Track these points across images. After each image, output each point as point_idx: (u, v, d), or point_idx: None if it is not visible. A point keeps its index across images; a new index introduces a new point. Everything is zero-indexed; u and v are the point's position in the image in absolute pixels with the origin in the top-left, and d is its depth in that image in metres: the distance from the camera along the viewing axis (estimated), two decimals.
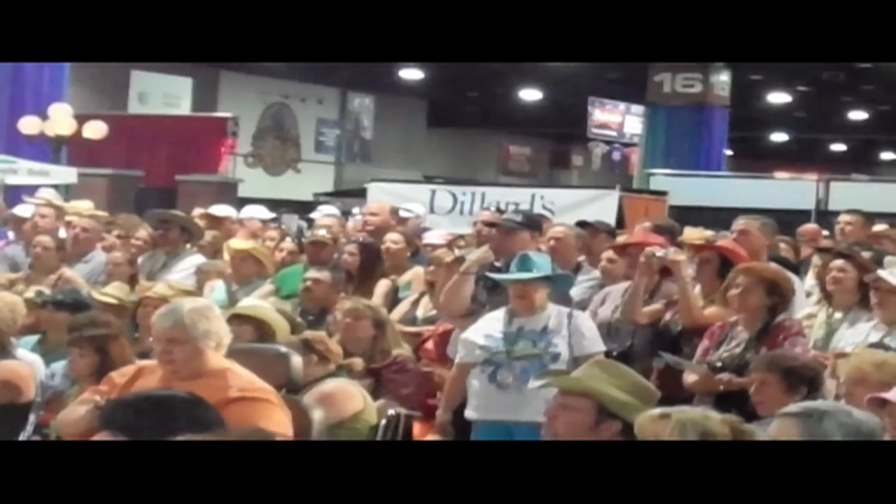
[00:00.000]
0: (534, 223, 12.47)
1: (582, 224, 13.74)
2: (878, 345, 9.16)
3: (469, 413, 9.97)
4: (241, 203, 20.55)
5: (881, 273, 10.35)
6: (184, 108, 39.62)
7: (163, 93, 40.73)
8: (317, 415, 8.46)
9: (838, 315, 10.52)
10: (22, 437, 8.47)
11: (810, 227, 16.79)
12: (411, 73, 45.75)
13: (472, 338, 9.95)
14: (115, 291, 11.23)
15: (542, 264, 10.21)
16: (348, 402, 9.65)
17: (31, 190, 19.04)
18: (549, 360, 9.53)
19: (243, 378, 7.40)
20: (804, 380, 7.83)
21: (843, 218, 16.00)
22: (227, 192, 25.27)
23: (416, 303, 12.50)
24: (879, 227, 15.91)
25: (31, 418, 8.69)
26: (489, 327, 9.92)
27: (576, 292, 11.55)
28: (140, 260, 13.59)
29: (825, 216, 20.88)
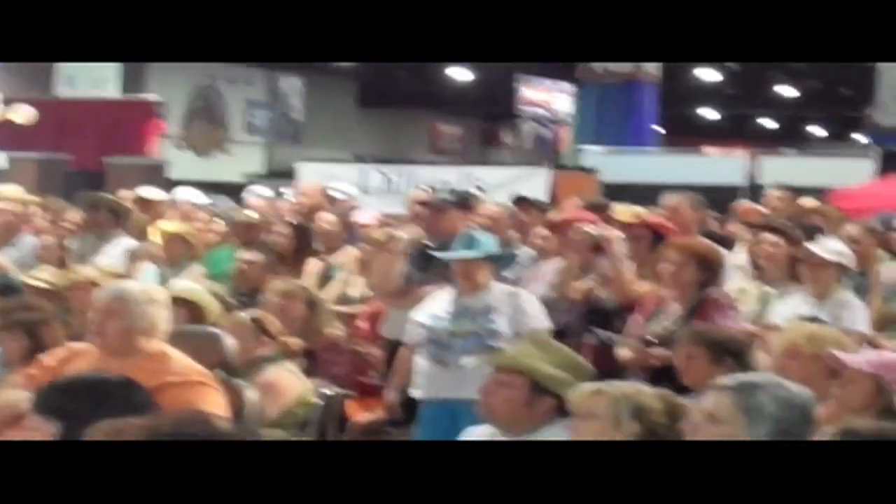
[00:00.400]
0: (465, 201, 12.63)
1: (517, 200, 13.81)
2: (810, 318, 9.27)
3: (415, 392, 10.07)
4: (169, 185, 20.48)
5: (811, 247, 10.47)
6: (112, 91, 39.42)
7: (91, 77, 40.39)
8: (250, 395, 8.50)
9: (770, 289, 10.61)
10: None
11: (747, 204, 16.84)
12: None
13: (418, 317, 10.00)
14: (45, 276, 11.20)
15: (487, 243, 10.23)
16: (291, 389, 9.66)
17: None
18: (489, 338, 9.57)
19: (179, 362, 7.41)
20: (730, 352, 7.88)
21: (772, 193, 16.18)
22: (156, 174, 25.20)
23: (348, 282, 12.51)
24: (808, 202, 16.04)
25: None
26: (435, 307, 9.98)
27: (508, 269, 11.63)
28: (70, 243, 13.50)
29: (755, 191, 20.99)
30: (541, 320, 9.80)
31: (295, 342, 10.36)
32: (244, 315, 10.03)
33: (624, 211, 12.99)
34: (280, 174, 28.62)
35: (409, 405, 10.13)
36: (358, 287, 12.26)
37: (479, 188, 18.30)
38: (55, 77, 38.56)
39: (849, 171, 25.19)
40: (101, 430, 4.27)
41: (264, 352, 9.71)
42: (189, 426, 4.48)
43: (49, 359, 7.85)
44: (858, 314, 10.08)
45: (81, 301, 9.98)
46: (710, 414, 5.74)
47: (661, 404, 6.44)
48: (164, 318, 7.66)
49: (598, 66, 39.75)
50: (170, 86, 41.32)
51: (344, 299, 12.09)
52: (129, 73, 40.88)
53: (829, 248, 10.64)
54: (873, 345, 9.65)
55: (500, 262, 10.24)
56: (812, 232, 11.91)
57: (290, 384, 9.67)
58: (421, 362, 9.91)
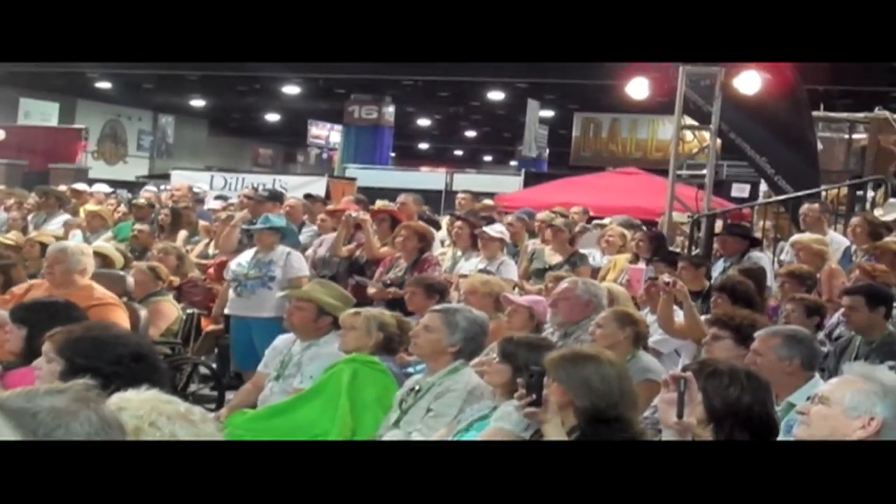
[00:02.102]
0: (276, 196, 12.72)
1: (307, 196, 13.80)
2: (483, 271, 9.40)
3: (226, 310, 10.01)
4: (90, 182, 20.31)
5: (485, 228, 10.61)
6: (53, 121, 38.97)
7: (40, 112, 40.00)
8: (143, 314, 8.45)
9: (459, 253, 10.70)
10: None
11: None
12: (198, 102, 45.62)
13: (232, 266, 9.89)
14: (13, 236, 11.04)
15: (277, 221, 10.19)
16: (171, 313, 9.67)
17: None
18: (268, 280, 9.51)
19: (100, 291, 7.34)
20: (437, 290, 7.95)
21: (460, 196, 16.31)
22: (82, 175, 24.75)
23: (205, 245, 12.44)
24: (484, 202, 16.21)
25: None
26: (242, 259, 9.86)
27: (303, 239, 11.62)
28: (29, 217, 13.42)
29: (450, 194, 21.15)
30: (303, 270, 9.73)
31: (174, 280, 10.38)
32: (141, 264, 9.97)
33: (377, 204, 13.07)
34: (160, 176, 28.30)
35: (227, 319, 10.10)
36: (210, 247, 12.18)
37: (283, 189, 18.17)
38: (17, 111, 38.18)
39: (506, 184, 25.59)
40: (55, 334, 4.23)
41: (154, 288, 9.62)
42: (99, 330, 4.45)
43: (17, 289, 7.79)
44: (512, 269, 10.16)
45: (34, 254, 9.87)
46: (426, 326, 5.84)
47: (394, 321, 6.54)
48: (90, 264, 7.61)
49: (357, 114, 39.87)
50: (90, 119, 41.44)
51: (202, 255, 12.00)
52: (63, 109, 40.65)
53: (495, 229, 10.76)
54: (521, 288, 9.85)
55: (286, 234, 10.20)
56: (486, 220, 12.04)
57: (169, 310, 9.67)
58: (231, 293, 9.83)
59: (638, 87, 13.87)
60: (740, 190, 18.77)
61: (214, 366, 10.33)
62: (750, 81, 12.72)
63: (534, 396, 4.34)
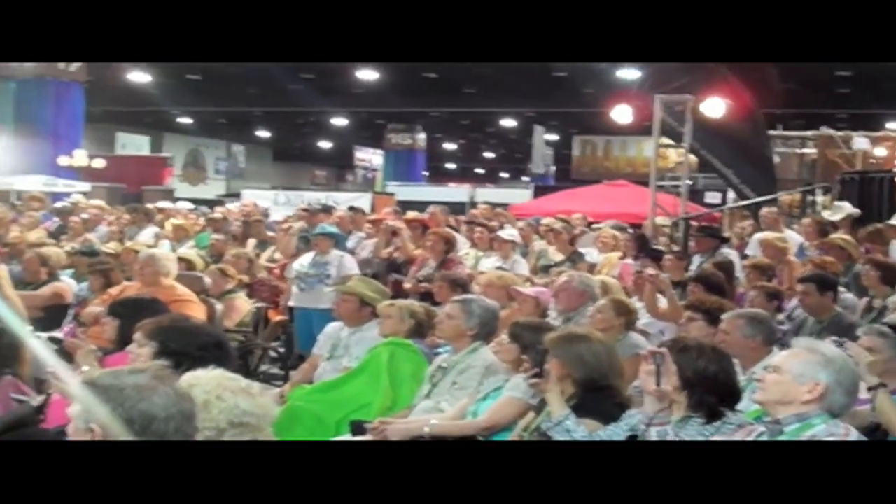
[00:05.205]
0: (327, 209, 12.71)
1: (352, 209, 13.81)
2: (499, 268, 9.38)
3: (290, 303, 10.04)
4: (175, 201, 20.38)
5: (499, 232, 10.61)
6: (145, 151, 39.24)
7: (134, 144, 40.31)
8: (218, 308, 8.48)
9: (480, 253, 10.69)
10: (64, 324, 8.27)
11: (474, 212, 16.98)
12: (264, 133, 45.86)
13: (295, 266, 9.95)
14: (112, 246, 11.02)
15: (330, 229, 10.25)
16: (243, 307, 9.66)
17: (64, 195, 18.76)
18: (325, 278, 9.55)
19: (181, 289, 7.37)
20: (460, 284, 7.92)
21: (481, 206, 16.37)
22: (169, 195, 24.79)
23: (272, 251, 12.37)
24: (500, 211, 16.19)
25: (70, 312, 8.51)
26: (303, 260, 9.89)
27: (350, 244, 11.60)
28: (125, 230, 13.36)
29: (473, 205, 21.14)
30: (354, 269, 9.68)
31: (244, 279, 10.36)
32: (214, 267, 9.98)
33: (410, 214, 13.07)
34: (233, 195, 28.38)
35: (291, 311, 10.14)
36: (276, 253, 12.14)
37: (335, 203, 18.18)
38: (115, 144, 38.54)
39: (519, 196, 25.56)
40: (148, 324, 4.26)
41: (228, 287, 9.62)
42: (183, 321, 4.48)
43: (113, 290, 7.83)
44: (524, 266, 10.16)
45: (129, 260, 9.88)
46: (448, 314, 5.83)
47: (423, 310, 6.52)
48: (174, 268, 7.64)
49: (395, 140, 39.98)
50: (175, 149, 41.97)
51: (270, 259, 11.96)
52: (153, 141, 41.20)
53: (509, 233, 10.79)
54: (531, 281, 9.81)
55: (338, 239, 10.23)
56: (501, 226, 12.06)
57: (241, 304, 9.67)
58: (294, 288, 9.87)
59: (622, 113, 13.87)
60: (713, 197, 18.69)
61: (281, 349, 10.33)
62: (715, 107, 12.82)
63: (537, 370, 4.41)
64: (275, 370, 10.01)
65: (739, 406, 4.07)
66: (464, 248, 11.11)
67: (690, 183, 14.56)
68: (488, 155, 54.01)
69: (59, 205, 16.08)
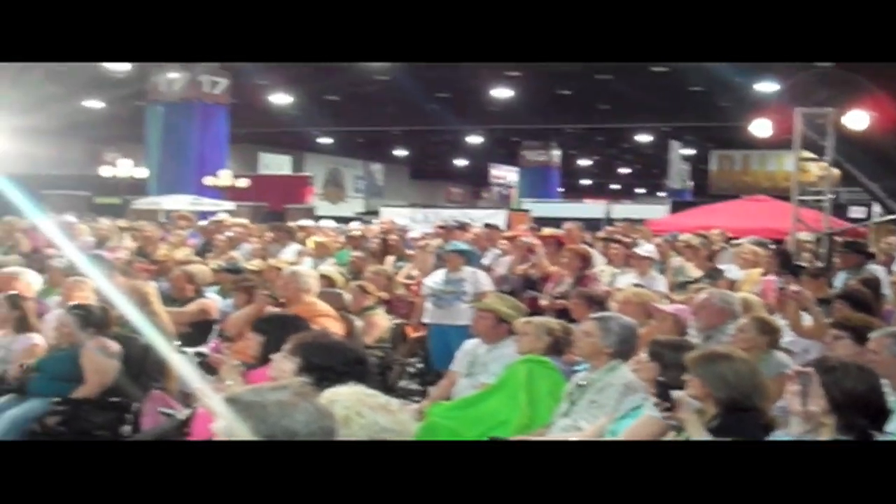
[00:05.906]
0: (462, 226, 12.74)
1: (487, 226, 13.81)
2: (637, 285, 9.24)
3: (426, 319, 10.04)
4: (316, 219, 20.67)
5: (637, 249, 10.46)
6: (286, 171, 40.06)
7: (276, 164, 41.24)
8: (357, 324, 8.55)
9: (616, 270, 10.57)
10: (210, 339, 8.43)
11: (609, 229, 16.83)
12: (401, 152, 46.44)
13: (428, 283, 10.00)
14: (255, 263, 11.19)
15: (462, 246, 10.32)
16: (382, 323, 9.69)
17: (210, 214, 19.15)
18: (461, 294, 9.58)
19: (321, 306, 7.49)
20: (596, 302, 7.84)
21: (618, 223, 16.19)
22: (309, 213, 25.26)
23: (411, 267, 12.39)
24: (638, 227, 15.99)
25: (215, 327, 8.69)
26: (436, 277, 9.95)
27: (486, 261, 11.59)
28: (267, 248, 13.49)
29: (609, 222, 20.94)
30: (488, 286, 9.70)
31: (383, 295, 10.43)
32: (354, 283, 10.07)
33: (545, 231, 13.01)
34: (372, 213, 28.72)
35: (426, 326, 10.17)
36: (414, 270, 12.19)
37: (470, 220, 18.20)
38: (257, 163, 39.38)
39: (656, 211, 25.23)
40: (292, 340, 4.32)
41: (367, 303, 9.71)
42: (326, 337, 4.53)
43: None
44: (662, 283, 9.98)
45: (272, 277, 10.02)
46: (586, 332, 5.75)
47: (560, 327, 6.46)
48: (315, 285, 7.76)
49: (528, 157, 40.11)
50: (315, 168, 42.71)
51: (408, 276, 12.01)
52: (294, 161, 42.02)
53: (646, 249, 10.65)
54: (669, 298, 9.63)
55: (471, 257, 10.23)
56: (637, 242, 11.91)
57: (380, 321, 9.70)
58: (428, 305, 9.92)
59: (761, 127, 13.60)
60: (856, 211, 18.08)
61: (420, 365, 10.36)
62: (859, 119, 12.50)
63: (667, 405, 4.33)
64: (413, 386, 10.03)
65: (889, 427, 3.88)
66: (600, 264, 11.00)
67: (833, 197, 14.11)
68: (623, 171, 53.56)
69: (204, 223, 16.39)
